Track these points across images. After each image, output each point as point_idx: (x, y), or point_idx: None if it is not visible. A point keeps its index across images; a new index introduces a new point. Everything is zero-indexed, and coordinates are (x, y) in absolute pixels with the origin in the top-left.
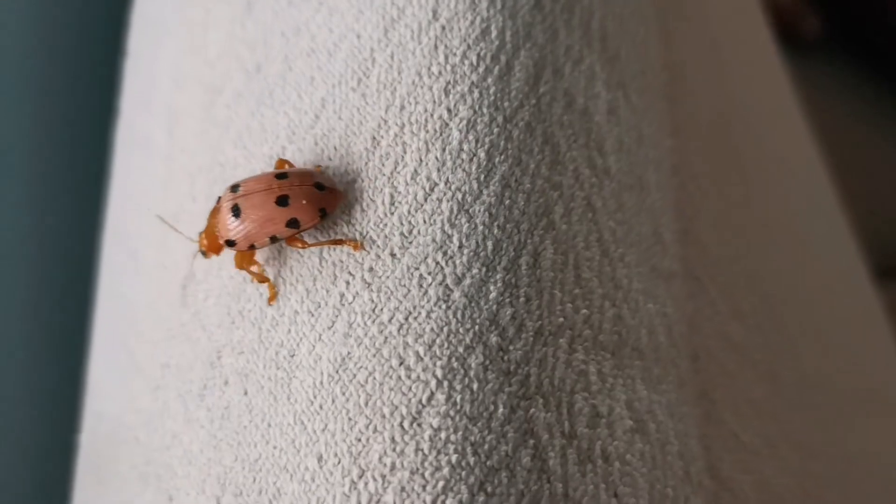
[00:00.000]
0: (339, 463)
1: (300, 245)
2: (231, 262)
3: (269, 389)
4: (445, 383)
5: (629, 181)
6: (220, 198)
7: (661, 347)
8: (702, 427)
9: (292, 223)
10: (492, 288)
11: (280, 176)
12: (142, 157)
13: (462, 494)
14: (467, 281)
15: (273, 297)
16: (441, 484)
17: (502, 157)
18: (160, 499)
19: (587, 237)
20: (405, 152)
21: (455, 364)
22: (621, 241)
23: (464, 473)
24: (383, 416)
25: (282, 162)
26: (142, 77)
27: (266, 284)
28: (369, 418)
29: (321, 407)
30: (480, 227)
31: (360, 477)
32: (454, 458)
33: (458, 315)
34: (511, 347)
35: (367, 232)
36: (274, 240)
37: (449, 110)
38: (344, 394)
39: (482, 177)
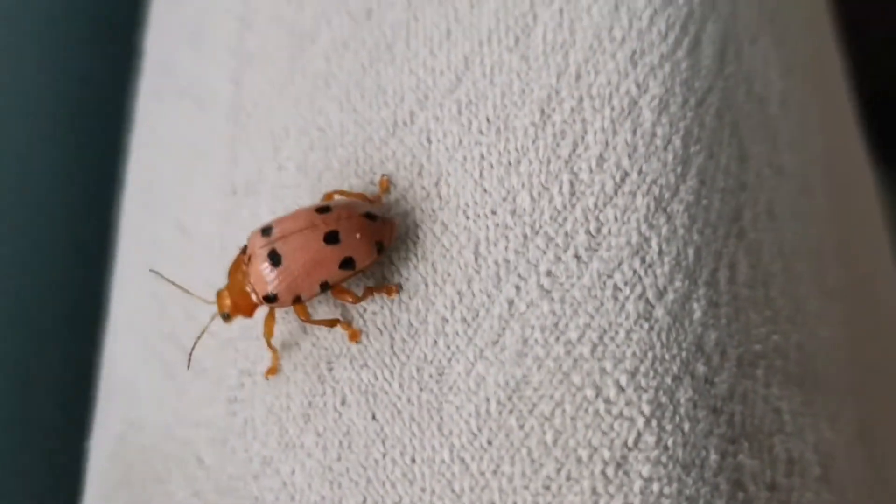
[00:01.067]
0: None
1: (350, 299)
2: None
3: (411, 415)
4: (654, 422)
5: (800, 183)
6: (245, 246)
7: (832, 379)
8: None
9: (347, 263)
10: (695, 306)
11: (322, 210)
12: (188, 109)
13: None
14: (670, 296)
15: (355, 336)
16: None
17: (697, 147)
18: None
19: (771, 248)
20: (586, 132)
21: (663, 398)
22: (799, 255)
23: None
24: (580, 461)
25: (330, 195)
26: (181, 10)
27: (339, 327)
28: (560, 462)
29: (489, 443)
30: (681, 231)
31: None
32: None
33: (663, 337)
34: (716, 380)
35: (541, 226)
36: (325, 287)
37: (637, 85)
38: (522, 428)
39: (679, 169)
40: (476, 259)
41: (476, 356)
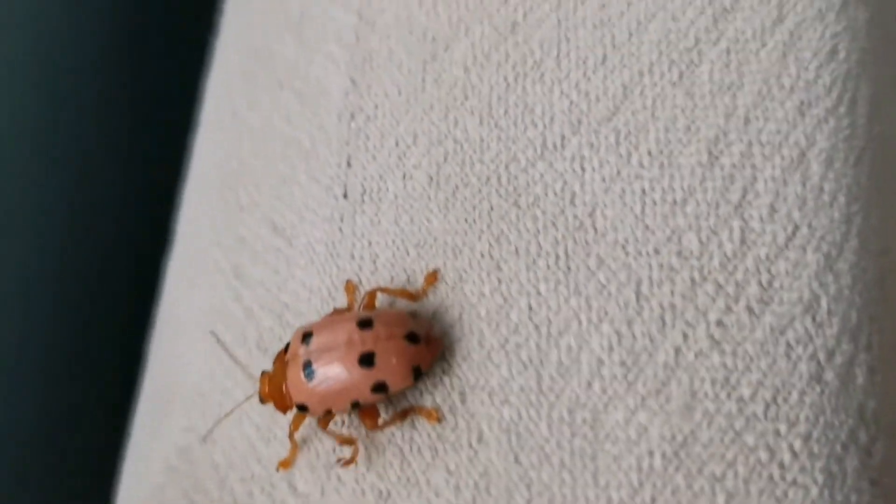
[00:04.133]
0: None
1: (369, 424)
2: None
3: (561, 461)
4: (826, 492)
5: None
6: (288, 344)
7: None
8: None
9: (379, 388)
10: (858, 371)
11: (364, 324)
12: (288, 102)
13: None
14: (838, 359)
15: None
16: None
17: (856, 206)
18: None
19: None
20: (756, 178)
21: (834, 468)
22: None
23: None
24: None
25: (351, 285)
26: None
27: (350, 448)
28: None
29: (653, 500)
30: (846, 292)
31: None
32: None
33: (833, 402)
34: (873, 449)
35: (710, 272)
36: (356, 405)
37: (806, 137)
38: (690, 487)
39: (843, 227)
40: (637, 299)
41: (637, 404)
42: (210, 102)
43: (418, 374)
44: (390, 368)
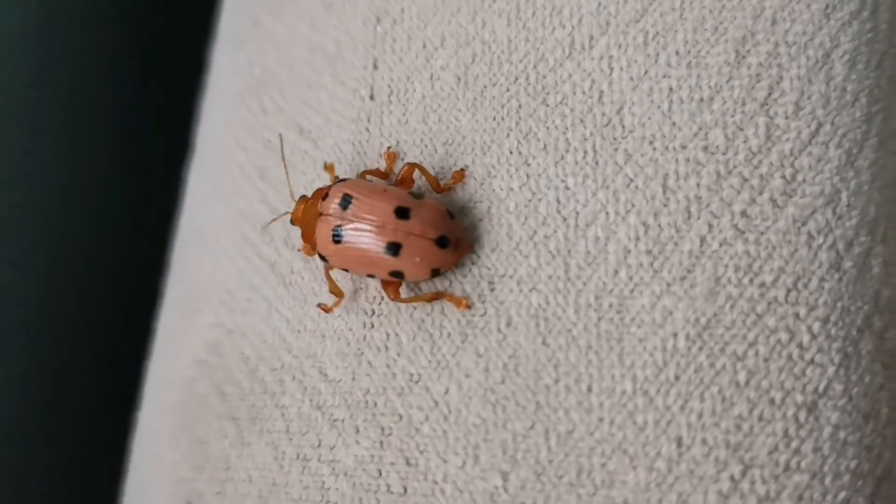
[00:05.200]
0: (709, 453)
1: (391, 295)
2: None
3: (588, 343)
4: (842, 371)
5: None
6: (328, 193)
7: None
8: None
9: (396, 275)
10: (874, 262)
11: (401, 213)
12: (313, 7)
13: None
14: (856, 249)
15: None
16: (842, 495)
17: (877, 107)
18: (388, 454)
19: None
20: (781, 77)
21: (850, 349)
22: None
23: (860, 484)
24: (773, 402)
25: (393, 154)
26: None
27: (337, 300)
28: (753, 402)
29: (677, 378)
30: (865, 187)
31: (744, 475)
32: (853, 463)
33: (850, 289)
34: (887, 335)
35: (735, 166)
36: (372, 276)
37: (830, 38)
38: (713, 366)
39: (864, 126)
40: (664, 192)
41: (663, 290)
42: (229, 14)
43: (436, 273)
44: (412, 263)
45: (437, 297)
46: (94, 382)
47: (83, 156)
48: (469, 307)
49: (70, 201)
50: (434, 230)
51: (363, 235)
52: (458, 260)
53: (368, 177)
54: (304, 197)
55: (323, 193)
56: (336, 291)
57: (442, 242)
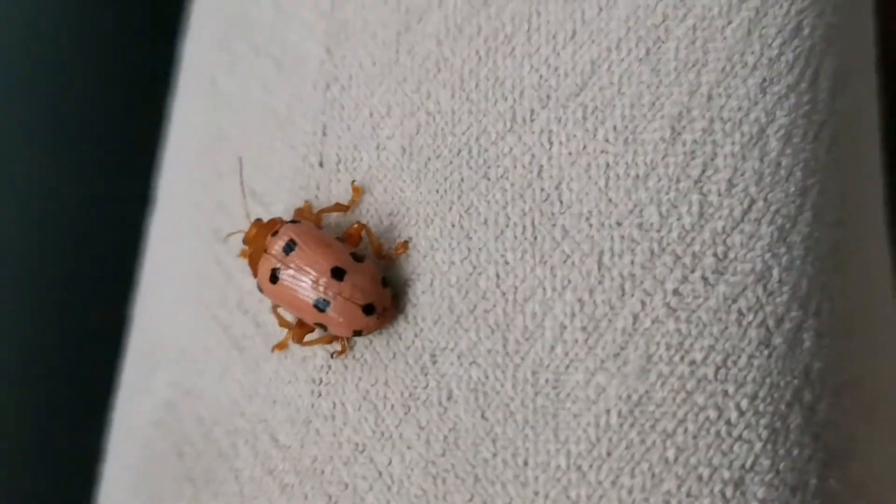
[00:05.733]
0: None
1: (296, 338)
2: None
3: (525, 418)
4: (769, 447)
5: (875, 226)
6: (277, 231)
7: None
8: None
9: (321, 326)
10: (805, 336)
11: (336, 273)
12: (265, 69)
13: None
14: (787, 325)
15: (283, 345)
16: None
17: (813, 179)
18: None
19: (859, 284)
20: (716, 154)
21: (777, 424)
22: (881, 290)
23: None
24: (700, 479)
25: (359, 189)
26: None
27: (286, 331)
28: (681, 478)
29: (608, 454)
30: (798, 262)
31: None
32: None
33: (779, 365)
34: (818, 407)
35: (668, 244)
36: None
37: (766, 113)
38: (643, 442)
39: (798, 201)
40: (599, 269)
41: (597, 367)
42: (187, 69)
43: (358, 334)
44: (336, 322)
45: (330, 340)
46: (89, 385)
47: (83, 156)
48: (345, 353)
49: (61, 204)
50: (363, 297)
51: (298, 284)
52: (380, 326)
53: (325, 216)
54: (259, 220)
55: (274, 228)
56: (285, 325)
57: (368, 309)
